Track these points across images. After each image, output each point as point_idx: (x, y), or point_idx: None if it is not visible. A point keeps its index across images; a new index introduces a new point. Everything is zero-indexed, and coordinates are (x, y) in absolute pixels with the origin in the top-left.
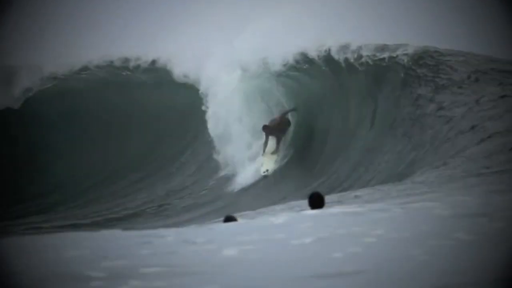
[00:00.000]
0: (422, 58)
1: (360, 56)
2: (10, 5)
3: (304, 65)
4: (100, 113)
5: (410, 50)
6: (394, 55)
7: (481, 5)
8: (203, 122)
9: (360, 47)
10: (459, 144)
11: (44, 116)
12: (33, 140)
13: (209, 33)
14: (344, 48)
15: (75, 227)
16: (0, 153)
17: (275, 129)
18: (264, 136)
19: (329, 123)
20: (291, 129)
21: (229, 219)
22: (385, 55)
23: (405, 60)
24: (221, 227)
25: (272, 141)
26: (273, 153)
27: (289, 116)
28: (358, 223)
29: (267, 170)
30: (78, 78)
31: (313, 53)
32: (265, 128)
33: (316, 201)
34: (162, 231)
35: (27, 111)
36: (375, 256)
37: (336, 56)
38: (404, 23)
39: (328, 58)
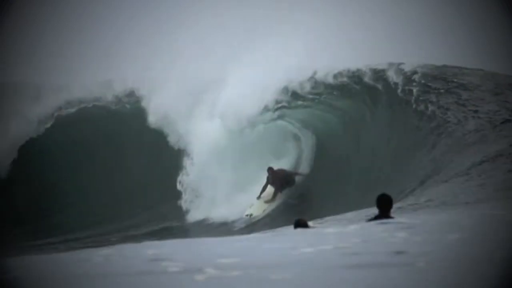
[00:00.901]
0: (440, 77)
1: (357, 77)
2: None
3: (289, 100)
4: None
5: (426, 68)
6: (406, 72)
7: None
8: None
9: (357, 70)
10: (497, 137)
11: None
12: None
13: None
14: (327, 75)
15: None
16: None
17: (279, 178)
18: (265, 179)
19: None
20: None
21: (299, 222)
22: (391, 72)
23: (419, 74)
24: (295, 232)
25: (270, 190)
26: (266, 201)
27: (296, 178)
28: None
29: (251, 215)
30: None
31: (300, 84)
32: (269, 169)
33: (385, 202)
34: (237, 237)
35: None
36: (453, 254)
37: (326, 81)
38: (417, 46)
39: (319, 83)
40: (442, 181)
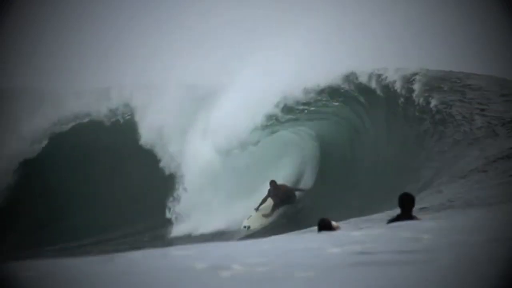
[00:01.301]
0: (444, 78)
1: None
2: None
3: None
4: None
5: (429, 72)
6: (407, 74)
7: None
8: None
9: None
10: (507, 134)
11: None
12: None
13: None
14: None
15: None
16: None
17: (280, 192)
18: (266, 191)
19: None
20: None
21: (323, 222)
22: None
23: (423, 79)
24: (320, 234)
25: (269, 203)
26: (264, 215)
27: (297, 194)
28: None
29: (248, 227)
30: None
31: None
32: (272, 182)
33: (407, 201)
34: (263, 239)
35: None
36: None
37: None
38: (421, 50)
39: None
40: (459, 177)
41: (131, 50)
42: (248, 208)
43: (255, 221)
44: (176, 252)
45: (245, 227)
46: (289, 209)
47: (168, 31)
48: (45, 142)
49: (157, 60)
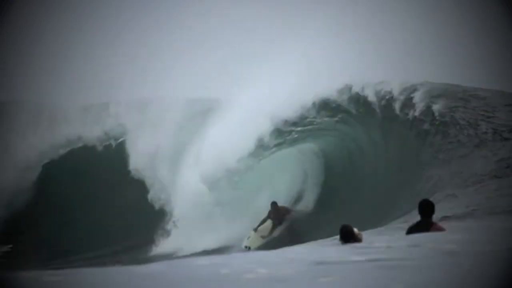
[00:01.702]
0: (447, 89)
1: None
2: None
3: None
4: None
5: (432, 85)
6: (407, 86)
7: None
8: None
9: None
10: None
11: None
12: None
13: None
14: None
15: None
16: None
17: (280, 214)
18: (267, 212)
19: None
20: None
21: (346, 229)
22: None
23: (425, 91)
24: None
25: (268, 225)
26: (262, 236)
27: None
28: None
29: (249, 248)
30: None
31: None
32: (273, 204)
33: (426, 208)
34: (286, 248)
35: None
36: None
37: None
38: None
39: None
40: (473, 182)
41: (131, 50)
42: (247, 230)
43: (254, 242)
44: (200, 261)
45: (246, 247)
46: (293, 225)
47: (168, 31)
48: (38, 169)
49: (157, 60)
